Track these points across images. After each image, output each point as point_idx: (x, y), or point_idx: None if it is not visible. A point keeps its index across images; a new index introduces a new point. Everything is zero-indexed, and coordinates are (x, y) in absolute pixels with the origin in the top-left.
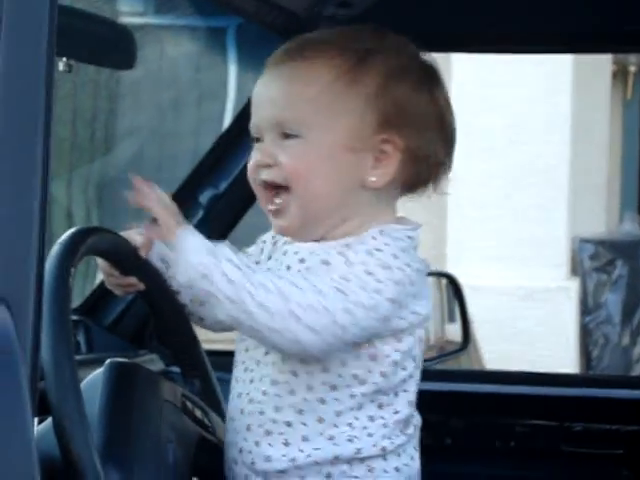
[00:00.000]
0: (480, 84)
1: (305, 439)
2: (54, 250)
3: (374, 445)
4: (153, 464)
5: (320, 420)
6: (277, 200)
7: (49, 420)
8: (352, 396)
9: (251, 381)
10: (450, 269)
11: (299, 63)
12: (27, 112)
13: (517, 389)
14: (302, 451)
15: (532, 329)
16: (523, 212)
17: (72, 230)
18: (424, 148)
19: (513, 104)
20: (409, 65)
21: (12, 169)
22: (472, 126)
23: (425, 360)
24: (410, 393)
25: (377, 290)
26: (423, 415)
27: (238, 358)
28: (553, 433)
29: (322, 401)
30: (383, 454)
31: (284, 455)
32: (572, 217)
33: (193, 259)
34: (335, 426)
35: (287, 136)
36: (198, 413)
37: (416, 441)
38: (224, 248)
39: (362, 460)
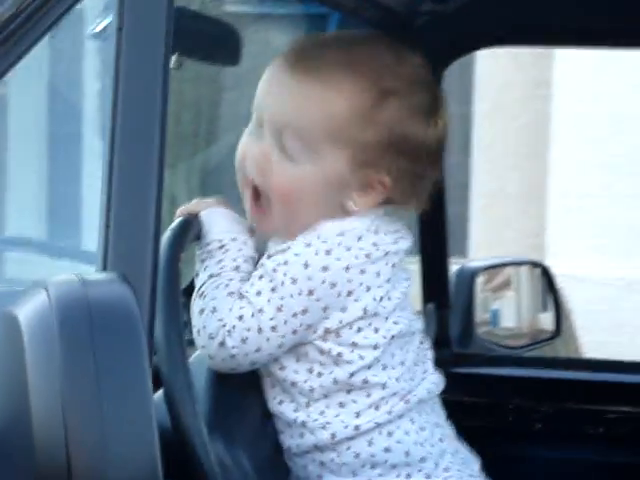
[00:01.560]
0: (582, 73)
1: (289, 426)
2: (166, 236)
3: (346, 427)
4: (252, 433)
5: (295, 410)
6: (260, 202)
7: (159, 393)
8: (311, 389)
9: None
10: (549, 259)
11: (314, 83)
12: (146, 108)
13: (607, 376)
14: (292, 438)
15: (632, 320)
16: (624, 201)
17: (181, 219)
18: (413, 174)
19: (615, 93)
20: (419, 100)
21: (133, 161)
22: (574, 115)
23: (517, 347)
24: (385, 372)
25: (279, 308)
26: (514, 400)
27: None
28: None
29: (289, 394)
30: (363, 436)
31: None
32: None
33: (207, 237)
34: (308, 415)
35: (285, 151)
36: None
37: (415, 415)
38: (241, 237)
39: (342, 444)
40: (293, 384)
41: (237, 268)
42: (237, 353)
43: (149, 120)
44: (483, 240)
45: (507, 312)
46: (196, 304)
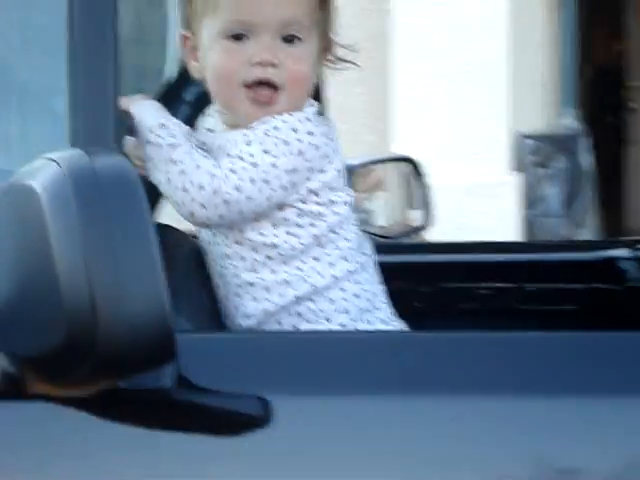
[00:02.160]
0: None
1: (268, 291)
2: None
3: (325, 277)
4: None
5: (273, 271)
6: (269, 95)
7: None
8: (292, 247)
9: (214, 258)
10: None
11: None
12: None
13: (477, 257)
14: (269, 301)
15: (475, 223)
16: (465, 110)
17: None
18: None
19: (453, 6)
20: None
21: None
22: (411, 27)
23: (390, 237)
24: (347, 228)
25: (273, 164)
26: (393, 284)
27: (200, 238)
28: (511, 294)
29: (268, 257)
30: (337, 283)
31: (256, 309)
32: (512, 114)
33: (147, 122)
34: (286, 272)
35: (289, 39)
36: None
37: (372, 267)
38: (172, 120)
39: (320, 294)
40: (274, 246)
41: (190, 139)
42: (230, 199)
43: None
44: None
45: (378, 211)
46: (167, 170)
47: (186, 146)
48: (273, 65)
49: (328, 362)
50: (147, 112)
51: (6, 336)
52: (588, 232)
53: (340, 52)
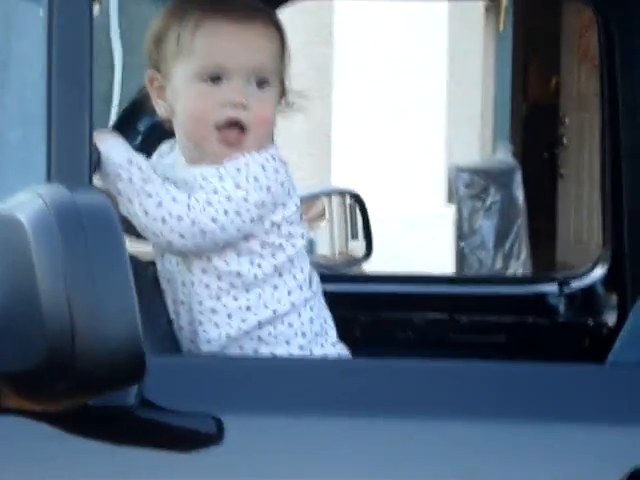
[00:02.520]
0: (359, 18)
1: (230, 317)
2: None
3: (284, 304)
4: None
5: (235, 298)
6: (238, 136)
7: None
8: (255, 276)
9: (177, 287)
10: None
11: (261, 26)
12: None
13: (413, 288)
14: (231, 327)
15: (411, 254)
16: (404, 142)
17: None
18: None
19: (391, 38)
20: None
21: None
22: (354, 59)
23: (334, 267)
24: (303, 260)
25: (244, 198)
26: (335, 313)
27: (159, 268)
28: (444, 325)
29: (232, 285)
30: (295, 310)
31: (219, 334)
32: (449, 147)
33: (116, 159)
34: (248, 300)
35: (260, 83)
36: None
37: (320, 295)
38: (137, 155)
39: (280, 319)
40: (238, 274)
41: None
42: (206, 229)
43: (80, 59)
44: None
45: (321, 241)
46: (143, 203)
47: (158, 180)
48: (244, 107)
49: (279, 385)
50: (114, 148)
51: None
52: (521, 265)
53: (291, 97)
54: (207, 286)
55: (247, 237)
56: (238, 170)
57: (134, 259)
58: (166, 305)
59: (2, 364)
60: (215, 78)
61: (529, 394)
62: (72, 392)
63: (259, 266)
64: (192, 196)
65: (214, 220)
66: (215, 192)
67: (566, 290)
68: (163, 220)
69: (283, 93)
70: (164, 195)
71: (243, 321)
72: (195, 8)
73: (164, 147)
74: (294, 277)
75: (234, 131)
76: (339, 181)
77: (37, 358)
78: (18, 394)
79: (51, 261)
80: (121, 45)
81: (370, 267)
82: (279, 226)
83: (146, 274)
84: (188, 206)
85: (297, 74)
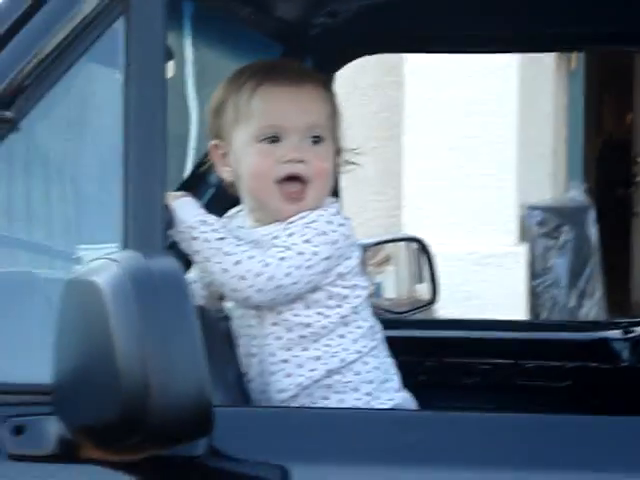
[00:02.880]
0: (428, 59)
1: (300, 367)
2: None
3: (351, 353)
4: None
5: (305, 349)
6: (299, 189)
7: None
8: (323, 326)
9: (248, 341)
10: None
11: (311, 88)
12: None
13: (479, 334)
14: (302, 376)
15: (483, 293)
16: (475, 181)
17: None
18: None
19: (465, 79)
20: None
21: (144, 163)
22: (428, 101)
23: (399, 312)
24: (366, 309)
25: (314, 253)
26: (400, 357)
27: (232, 324)
28: (508, 370)
29: (301, 336)
30: (362, 358)
31: (290, 384)
32: (521, 186)
33: (188, 220)
34: (317, 349)
35: (315, 140)
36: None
37: (384, 344)
38: (210, 216)
39: (348, 367)
40: (307, 325)
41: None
42: (282, 284)
43: (155, 126)
44: None
45: (388, 285)
46: (221, 261)
47: (232, 239)
48: (302, 162)
49: (346, 435)
50: (186, 209)
51: (68, 407)
52: (595, 304)
53: (347, 155)
54: (278, 338)
55: (315, 289)
56: (306, 226)
57: (207, 315)
58: (237, 358)
59: (82, 418)
60: (273, 138)
61: (601, 447)
62: (144, 445)
63: (326, 317)
64: (266, 253)
65: (288, 275)
66: (287, 248)
67: (630, 335)
68: (242, 277)
69: (338, 151)
70: (241, 253)
71: (313, 370)
72: (249, 77)
73: (231, 212)
74: (359, 326)
75: (295, 185)
76: (410, 220)
77: (113, 413)
78: (96, 446)
79: (127, 324)
80: (197, 104)
81: (442, 306)
82: (344, 277)
83: (218, 329)
84: (264, 263)
85: (368, 114)
